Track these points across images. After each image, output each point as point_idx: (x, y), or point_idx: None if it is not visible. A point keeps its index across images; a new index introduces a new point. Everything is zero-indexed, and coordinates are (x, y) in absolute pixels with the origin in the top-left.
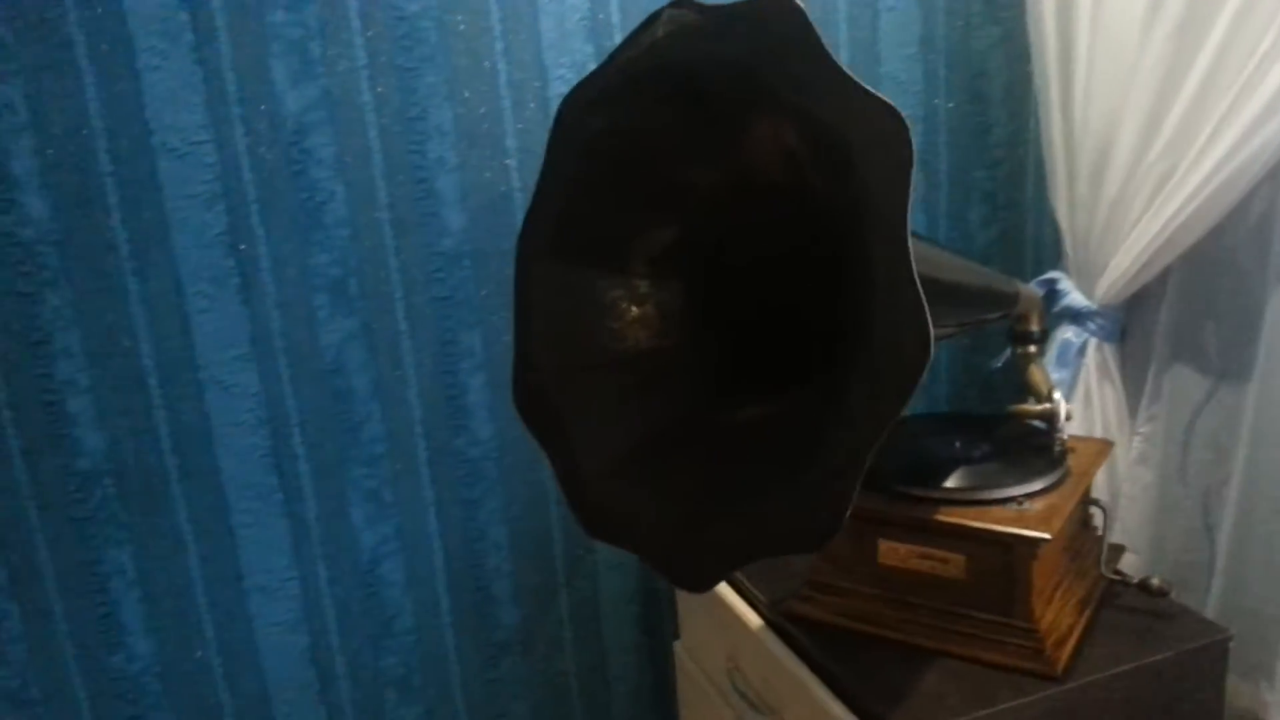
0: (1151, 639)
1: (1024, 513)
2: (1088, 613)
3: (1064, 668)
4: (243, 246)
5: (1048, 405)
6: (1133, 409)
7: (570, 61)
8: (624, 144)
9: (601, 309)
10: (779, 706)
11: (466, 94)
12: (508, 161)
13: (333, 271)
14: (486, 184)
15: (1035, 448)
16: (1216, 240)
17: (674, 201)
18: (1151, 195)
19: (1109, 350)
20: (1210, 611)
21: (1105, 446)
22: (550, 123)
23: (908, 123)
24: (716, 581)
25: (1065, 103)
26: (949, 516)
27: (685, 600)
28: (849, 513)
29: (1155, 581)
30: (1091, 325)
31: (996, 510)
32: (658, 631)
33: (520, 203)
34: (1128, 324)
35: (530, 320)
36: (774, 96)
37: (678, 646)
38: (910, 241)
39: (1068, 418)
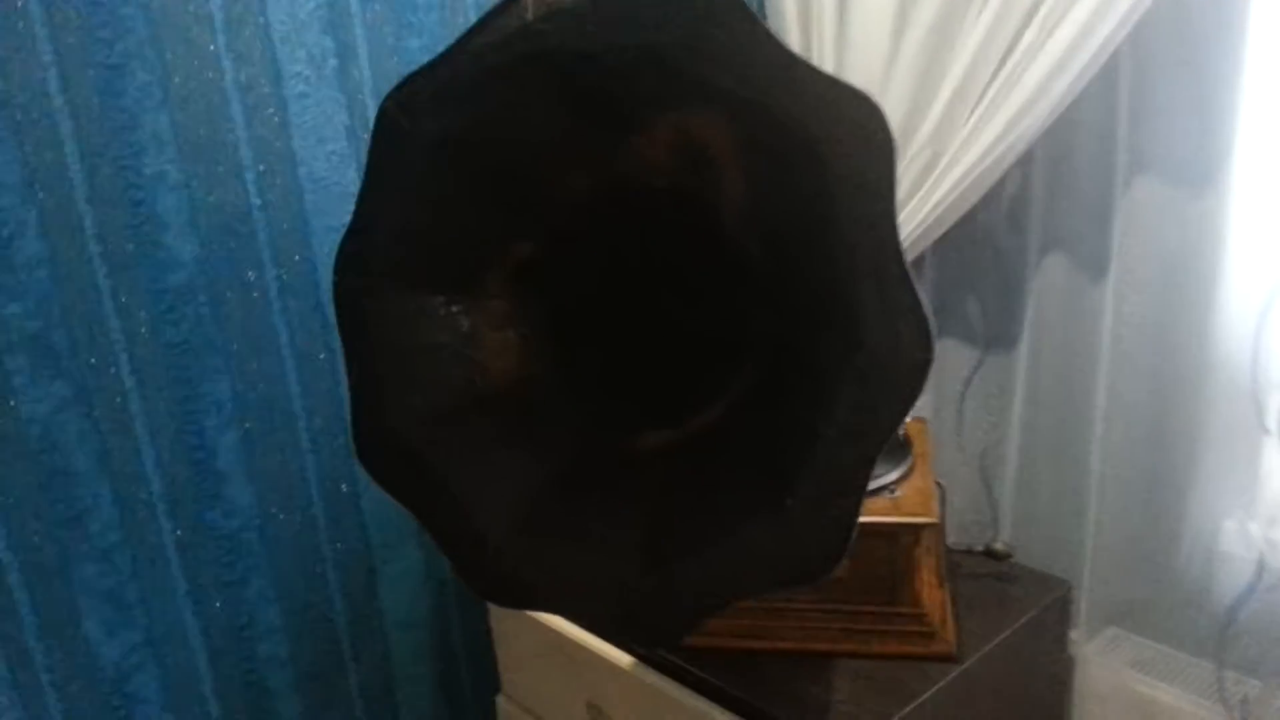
0: (1011, 603)
1: (898, 500)
2: (947, 587)
3: (956, 646)
4: None
5: None
6: None
7: (307, 56)
8: (478, 147)
9: (460, 339)
10: None
11: (186, 96)
12: (244, 175)
13: (30, 325)
14: (219, 203)
15: None
16: (972, 221)
17: (536, 211)
18: (914, 185)
19: None
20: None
21: (921, 425)
22: (293, 128)
23: (880, 107)
24: (691, 631)
25: None
26: None
27: (511, 648)
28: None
29: (999, 546)
30: None
31: (872, 503)
32: (463, 691)
33: (263, 222)
34: None
35: (373, 363)
36: (695, 89)
37: (501, 701)
38: (899, 235)
39: None
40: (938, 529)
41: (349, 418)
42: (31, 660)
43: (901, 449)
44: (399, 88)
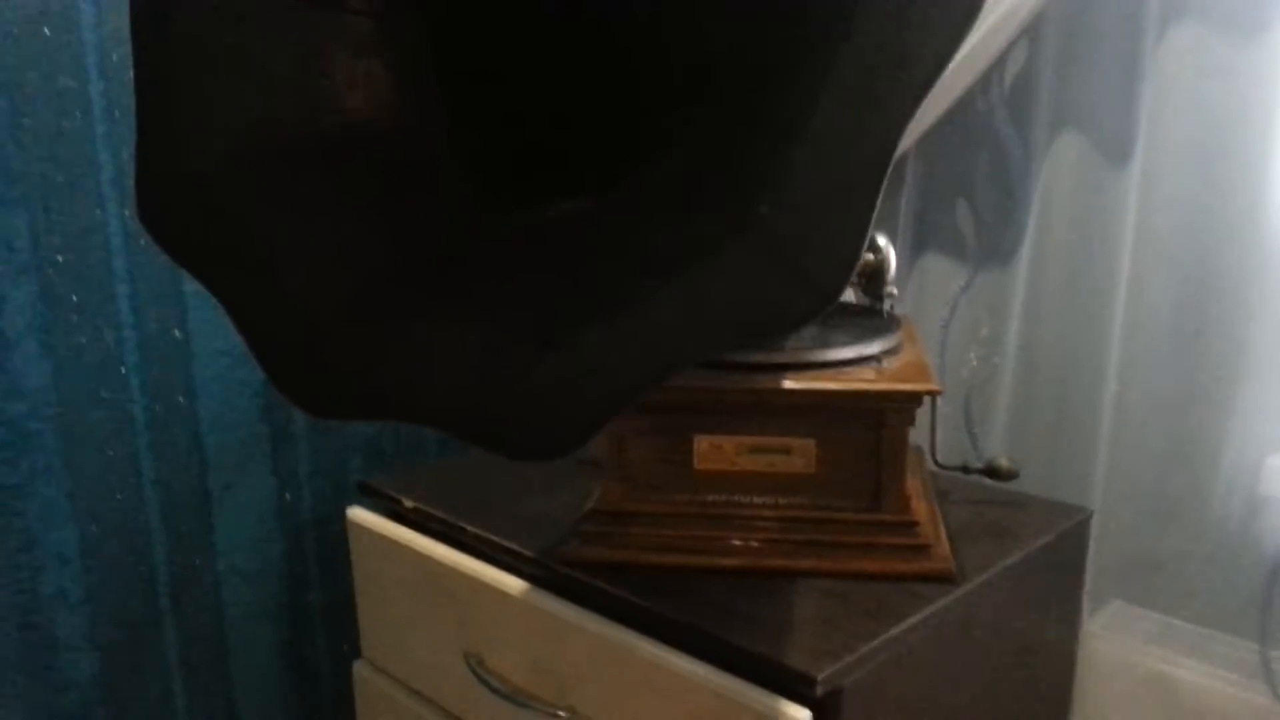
0: (1016, 530)
1: (886, 371)
2: (936, 508)
3: (954, 565)
4: None
5: (870, 257)
6: None
7: None
8: None
9: (303, 56)
10: (571, 689)
11: None
12: None
13: None
14: None
15: (852, 312)
16: (965, 110)
17: None
18: None
19: None
20: None
21: (905, 318)
22: None
23: None
24: (613, 412)
25: None
26: (797, 383)
27: (374, 595)
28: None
29: (1003, 463)
30: None
31: (851, 372)
32: (316, 658)
33: (91, 18)
34: None
35: (174, 78)
36: None
37: (359, 667)
38: None
39: None
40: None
41: (135, 160)
42: None
43: (886, 324)
44: None
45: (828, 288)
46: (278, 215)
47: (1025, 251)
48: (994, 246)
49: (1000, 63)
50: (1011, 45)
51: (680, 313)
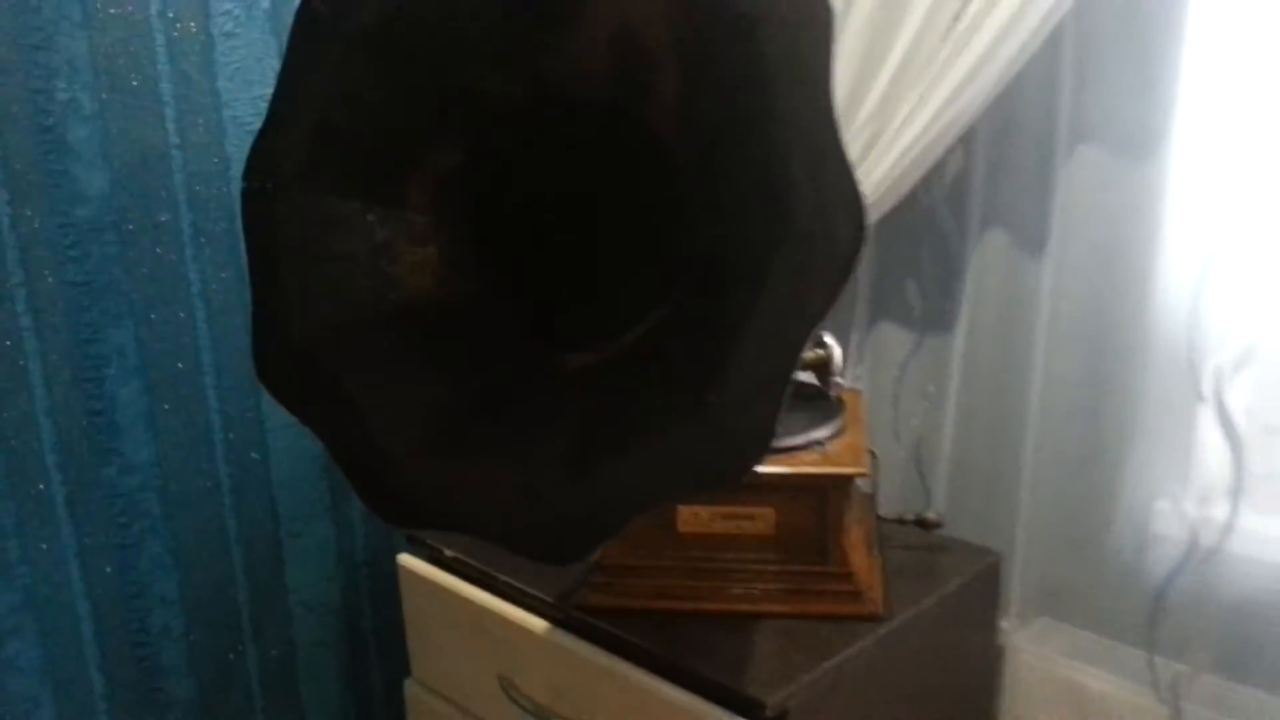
0: (939, 571)
1: (829, 454)
2: (876, 555)
3: (883, 608)
4: None
5: (820, 352)
6: None
7: None
8: (403, 41)
9: (373, 251)
10: (584, 709)
11: (106, 17)
12: (163, 111)
13: None
14: (134, 138)
15: (803, 396)
16: (913, 203)
17: (465, 118)
18: (858, 160)
19: None
20: None
21: (856, 394)
22: (218, 68)
23: None
24: (607, 538)
25: None
26: (759, 466)
27: (421, 626)
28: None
29: (930, 515)
30: None
31: (801, 456)
32: (371, 677)
33: (180, 163)
34: None
35: (278, 271)
36: None
37: (409, 685)
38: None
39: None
40: (867, 497)
41: (250, 335)
42: None
43: (832, 409)
44: None
45: (755, 453)
46: (360, 371)
47: (961, 325)
48: (936, 319)
49: (940, 167)
50: (949, 153)
51: (654, 468)
